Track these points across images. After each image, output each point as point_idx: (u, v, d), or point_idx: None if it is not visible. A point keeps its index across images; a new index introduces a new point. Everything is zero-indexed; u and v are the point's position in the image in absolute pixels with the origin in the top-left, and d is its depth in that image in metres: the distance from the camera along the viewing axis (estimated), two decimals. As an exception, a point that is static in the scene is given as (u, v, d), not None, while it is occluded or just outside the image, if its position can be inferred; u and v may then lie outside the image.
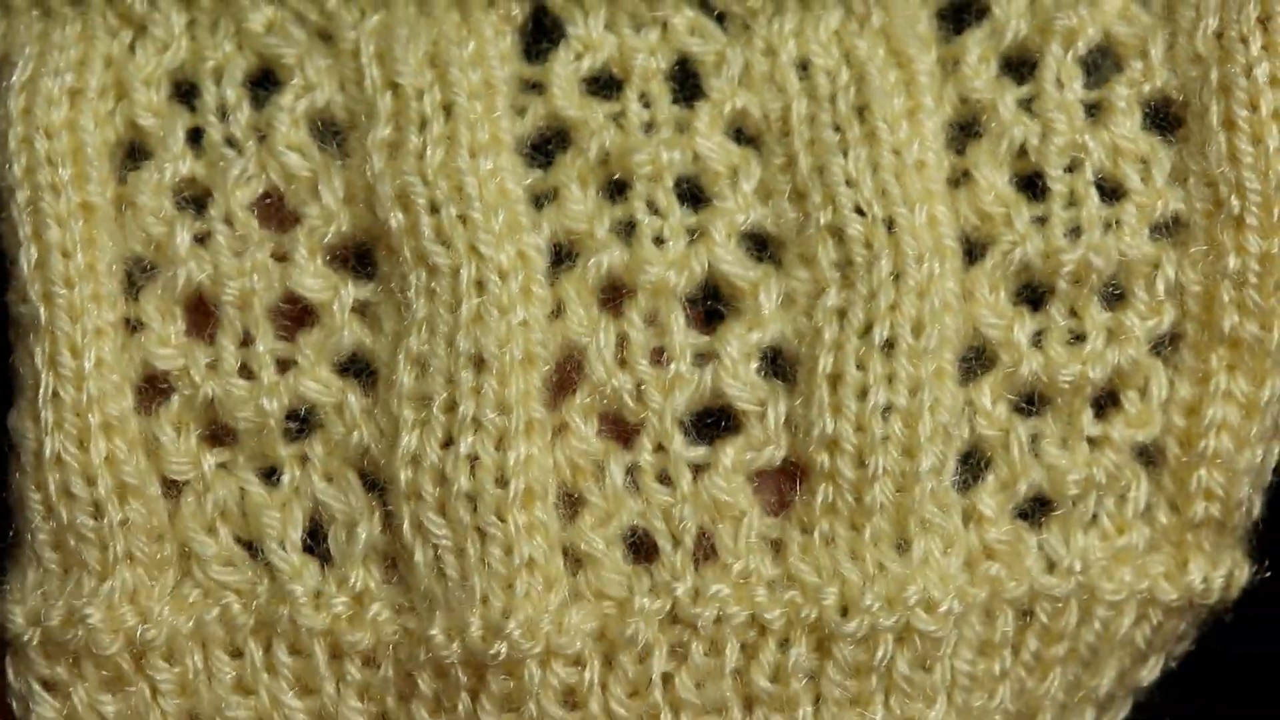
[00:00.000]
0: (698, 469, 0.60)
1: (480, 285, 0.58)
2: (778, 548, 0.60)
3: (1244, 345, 0.60)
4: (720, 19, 0.60)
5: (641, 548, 0.60)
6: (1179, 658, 0.65)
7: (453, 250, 0.58)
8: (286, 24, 0.59)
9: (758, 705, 0.60)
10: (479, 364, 0.58)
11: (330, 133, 0.60)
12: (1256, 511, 0.63)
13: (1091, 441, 0.61)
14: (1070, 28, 0.60)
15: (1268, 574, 0.64)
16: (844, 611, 0.59)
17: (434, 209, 0.58)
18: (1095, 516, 0.61)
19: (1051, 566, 0.61)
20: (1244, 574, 0.63)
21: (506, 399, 0.58)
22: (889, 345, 0.59)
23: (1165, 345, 0.61)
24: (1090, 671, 0.62)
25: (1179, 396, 0.61)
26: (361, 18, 0.59)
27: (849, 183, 0.59)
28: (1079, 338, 0.61)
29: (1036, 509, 0.61)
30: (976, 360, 0.61)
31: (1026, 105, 0.61)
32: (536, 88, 0.60)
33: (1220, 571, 0.62)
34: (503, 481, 0.58)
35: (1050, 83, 0.60)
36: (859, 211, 0.59)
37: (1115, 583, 0.61)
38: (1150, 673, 0.64)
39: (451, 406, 0.58)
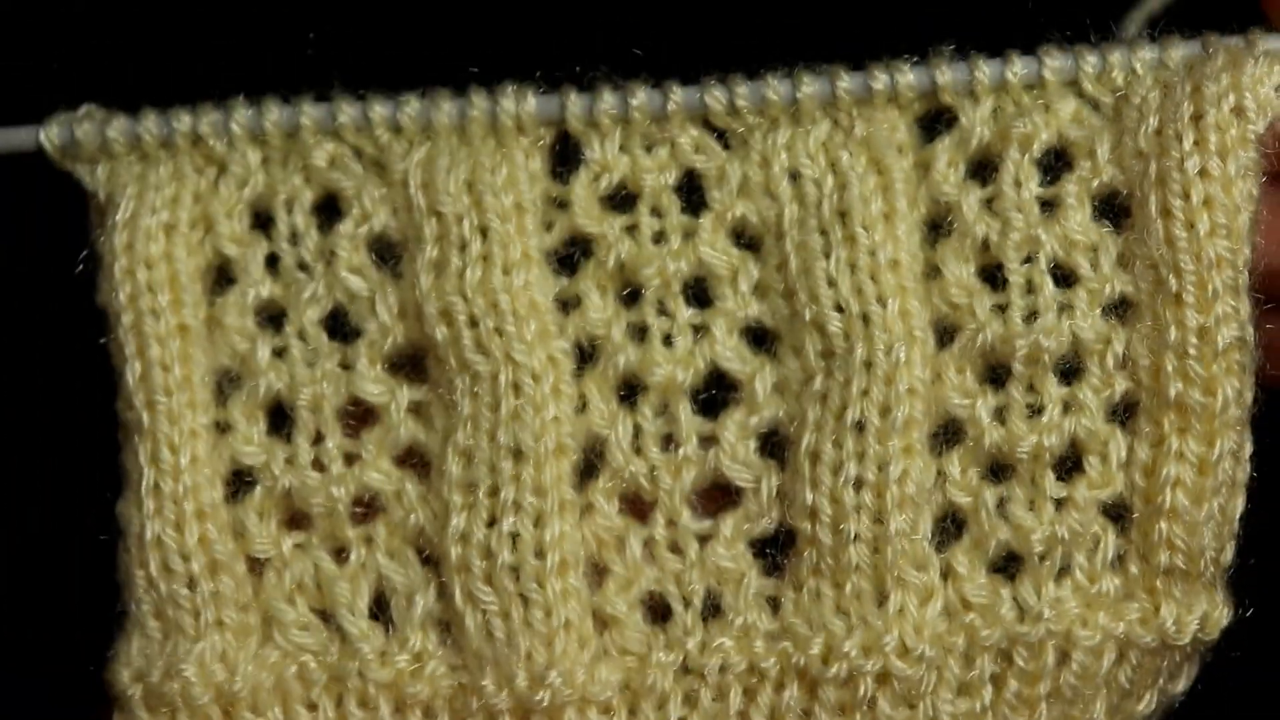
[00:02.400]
0: (703, 539, 0.68)
1: (516, 388, 0.67)
2: (775, 605, 0.68)
3: (1191, 410, 0.67)
4: (721, 135, 0.69)
5: (658, 609, 0.69)
6: (1181, 694, 0.71)
7: (491, 359, 0.67)
8: (345, 158, 0.69)
9: None
10: (517, 455, 0.67)
11: (387, 254, 0.69)
12: (1226, 559, 0.69)
13: (1058, 502, 0.68)
14: (1026, 134, 0.67)
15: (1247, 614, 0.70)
16: (826, 659, 0.67)
17: (473, 323, 0.67)
18: (1067, 569, 0.68)
19: (1024, 615, 0.68)
20: (1222, 615, 0.69)
21: (542, 484, 0.67)
22: (859, 426, 0.67)
23: (1123, 413, 0.68)
24: (1078, 708, 0.69)
25: (1138, 458, 0.68)
26: (409, 149, 0.68)
27: (830, 282, 0.67)
28: (1037, 411, 0.68)
29: (1010, 564, 0.69)
30: (948, 435, 0.68)
31: (989, 204, 0.68)
32: (562, 204, 0.69)
33: (1193, 615, 0.68)
34: (541, 554, 0.67)
35: (1009, 184, 0.68)
36: (838, 309, 0.67)
37: (1090, 628, 0.68)
38: (1146, 707, 0.70)
39: (494, 491, 0.67)
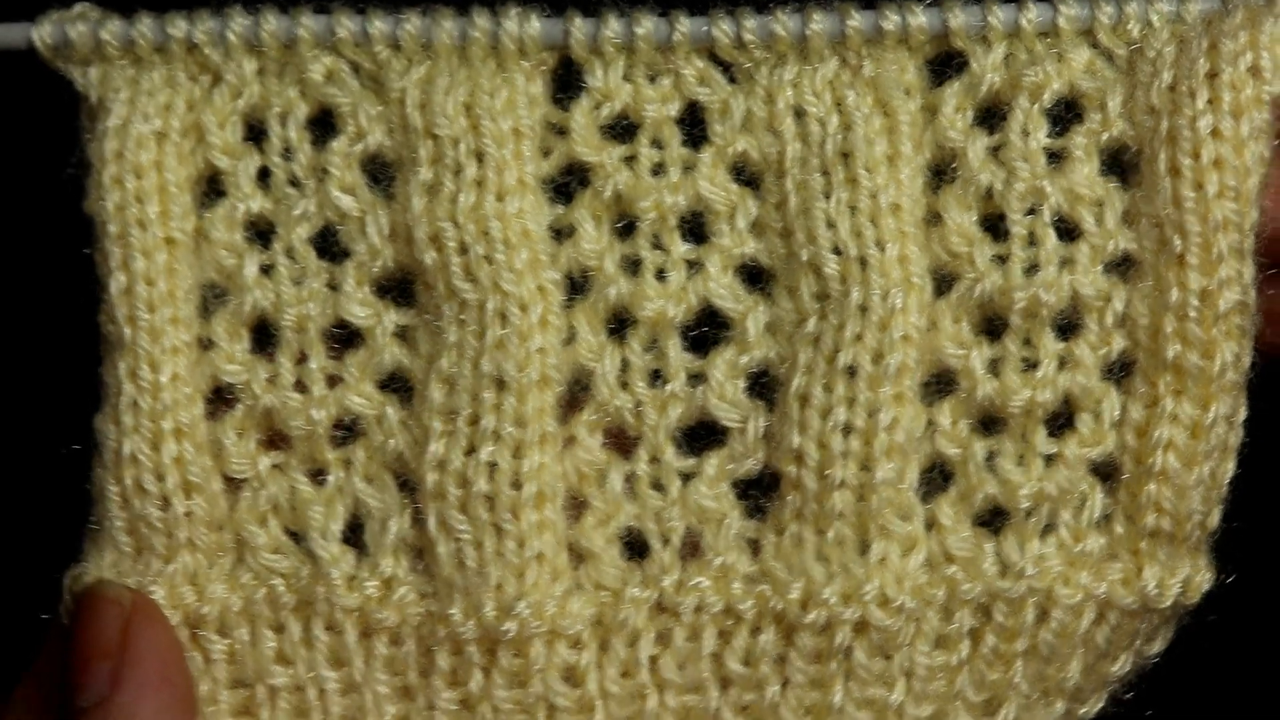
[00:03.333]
0: (686, 477, 0.67)
1: (503, 317, 0.66)
2: (755, 548, 0.67)
3: (1188, 372, 0.66)
4: (727, 68, 0.67)
5: (636, 546, 0.68)
6: (1155, 656, 0.70)
7: (479, 286, 0.66)
8: (342, 73, 0.67)
9: (732, 685, 0.67)
10: (500, 384, 0.66)
11: (381, 174, 0.67)
12: (1213, 523, 0.68)
13: (1048, 458, 0.67)
14: (1037, 83, 0.66)
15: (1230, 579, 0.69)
16: (805, 604, 0.66)
17: (463, 250, 0.66)
18: (1052, 526, 0.68)
19: (1006, 570, 0.67)
20: (1204, 580, 0.68)
21: (523, 414, 0.66)
22: (851, 371, 0.66)
23: (1119, 371, 0.67)
24: (1054, 666, 0.68)
25: (1131, 418, 0.67)
26: (408, 67, 0.66)
27: (829, 224, 0.66)
28: (1032, 365, 0.67)
29: (996, 518, 0.68)
30: (940, 384, 0.67)
31: (995, 152, 0.67)
32: (561, 130, 0.67)
33: (1175, 578, 0.67)
34: (517, 485, 0.66)
35: (1016, 133, 0.66)
36: (836, 251, 0.66)
37: (1072, 587, 0.67)
38: (1120, 668, 0.70)
39: (475, 420, 0.66)
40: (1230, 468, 0.67)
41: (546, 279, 0.66)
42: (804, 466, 0.66)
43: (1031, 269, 0.66)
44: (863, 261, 0.66)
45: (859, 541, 0.66)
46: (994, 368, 0.67)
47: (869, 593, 0.66)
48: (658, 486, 0.67)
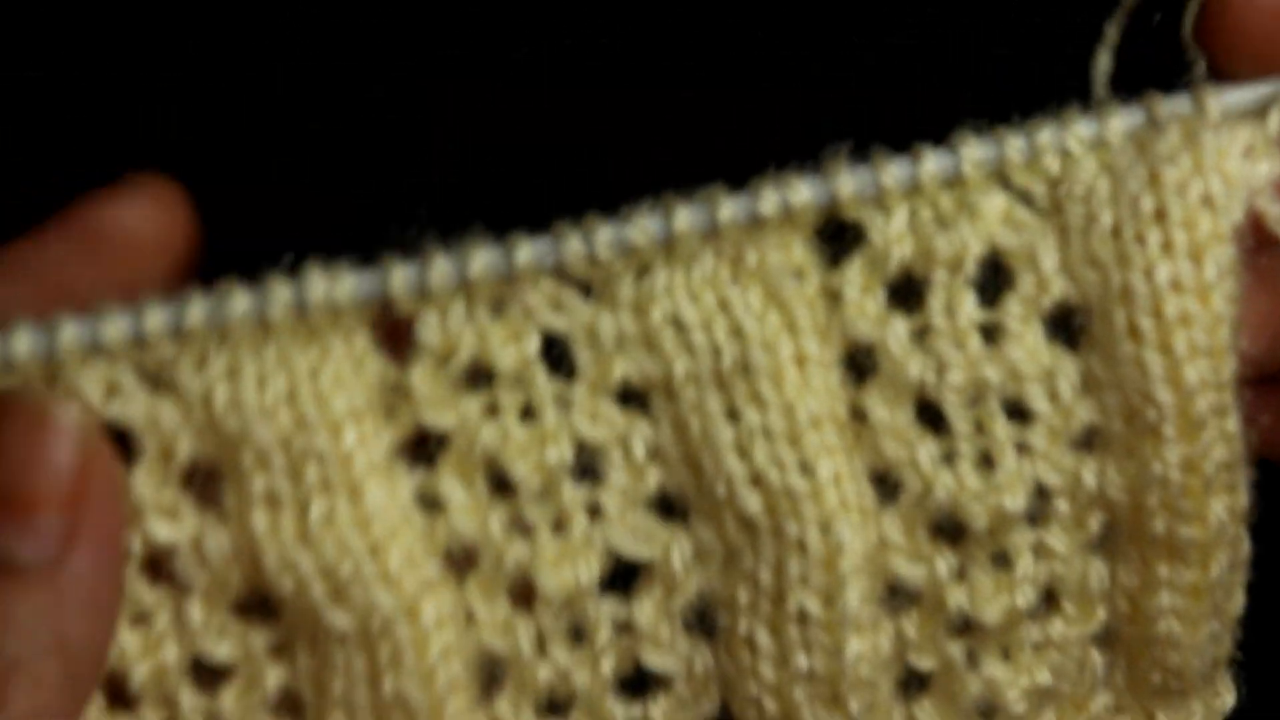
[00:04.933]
0: None
1: (389, 635, 0.55)
2: None
3: (1181, 543, 0.57)
4: (585, 288, 0.56)
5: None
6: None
7: (353, 608, 0.54)
8: (121, 382, 0.54)
9: None
10: (406, 708, 0.56)
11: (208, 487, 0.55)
12: (1226, 653, 0.61)
13: (1036, 646, 0.59)
14: (954, 251, 0.55)
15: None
16: None
17: (326, 573, 0.54)
18: (1051, 694, 0.59)
19: None
20: (1224, 704, 0.61)
21: None
22: (802, 616, 0.57)
23: (1099, 537, 0.59)
24: None
25: (1121, 583, 0.59)
26: (203, 362, 0.54)
27: (741, 453, 0.56)
28: (1005, 562, 0.58)
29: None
30: (901, 593, 0.58)
31: (919, 336, 0.56)
32: (401, 389, 0.56)
33: (1195, 718, 0.61)
34: None
35: (940, 313, 0.56)
36: (755, 482, 0.56)
37: None
38: None
39: None
40: (1239, 600, 0.59)
41: (429, 572, 0.55)
42: (765, 713, 0.58)
43: (983, 460, 0.57)
44: (789, 492, 0.56)
45: None
46: (961, 573, 0.58)
47: None
48: None
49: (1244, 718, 0.72)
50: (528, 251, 0.55)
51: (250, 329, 0.54)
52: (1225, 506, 0.56)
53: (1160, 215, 0.54)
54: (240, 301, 0.53)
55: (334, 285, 0.54)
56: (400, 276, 0.54)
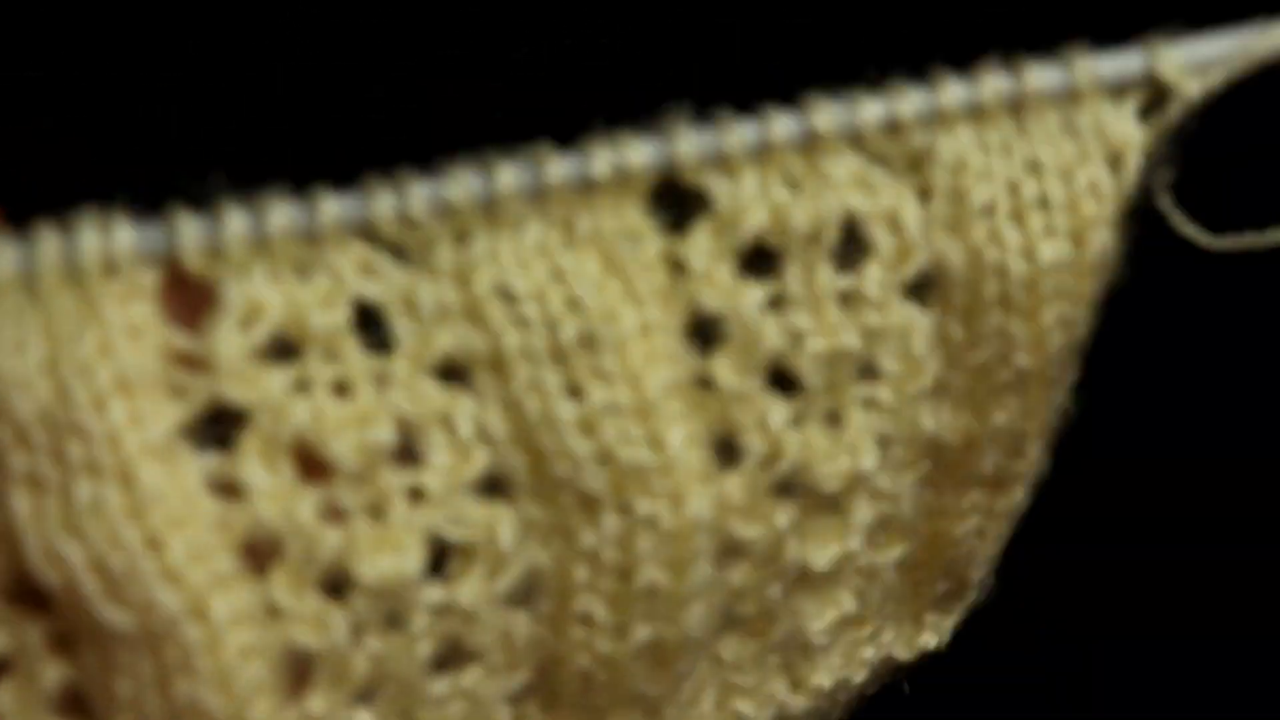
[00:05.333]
0: (441, 701, 0.54)
1: (171, 638, 0.50)
2: None
3: (1005, 477, 0.56)
4: (399, 252, 0.51)
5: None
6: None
7: (129, 608, 0.49)
8: None
9: None
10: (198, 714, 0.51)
11: None
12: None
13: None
14: (809, 219, 0.51)
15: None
16: None
17: (97, 566, 0.49)
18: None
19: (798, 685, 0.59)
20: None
21: None
22: (650, 591, 0.53)
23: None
24: None
25: (934, 510, 0.57)
26: None
27: (585, 429, 0.51)
28: (841, 510, 0.55)
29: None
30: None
31: (773, 304, 0.52)
32: (197, 362, 0.50)
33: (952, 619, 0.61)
34: None
35: (796, 283, 0.51)
36: (602, 460, 0.51)
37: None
38: None
39: None
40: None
41: (222, 565, 0.50)
42: (593, 684, 0.54)
43: (832, 419, 0.53)
44: (639, 467, 0.51)
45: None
46: (798, 526, 0.54)
47: None
48: (406, 717, 0.54)
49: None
50: (333, 208, 0.49)
51: (14, 288, 0.48)
52: (1046, 439, 0.55)
53: (1042, 200, 0.50)
54: (2, 257, 0.48)
55: (108, 239, 0.48)
56: (189, 231, 0.49)
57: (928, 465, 0.55)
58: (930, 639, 0.61)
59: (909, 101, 0.49)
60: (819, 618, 0.57)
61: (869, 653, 0.59)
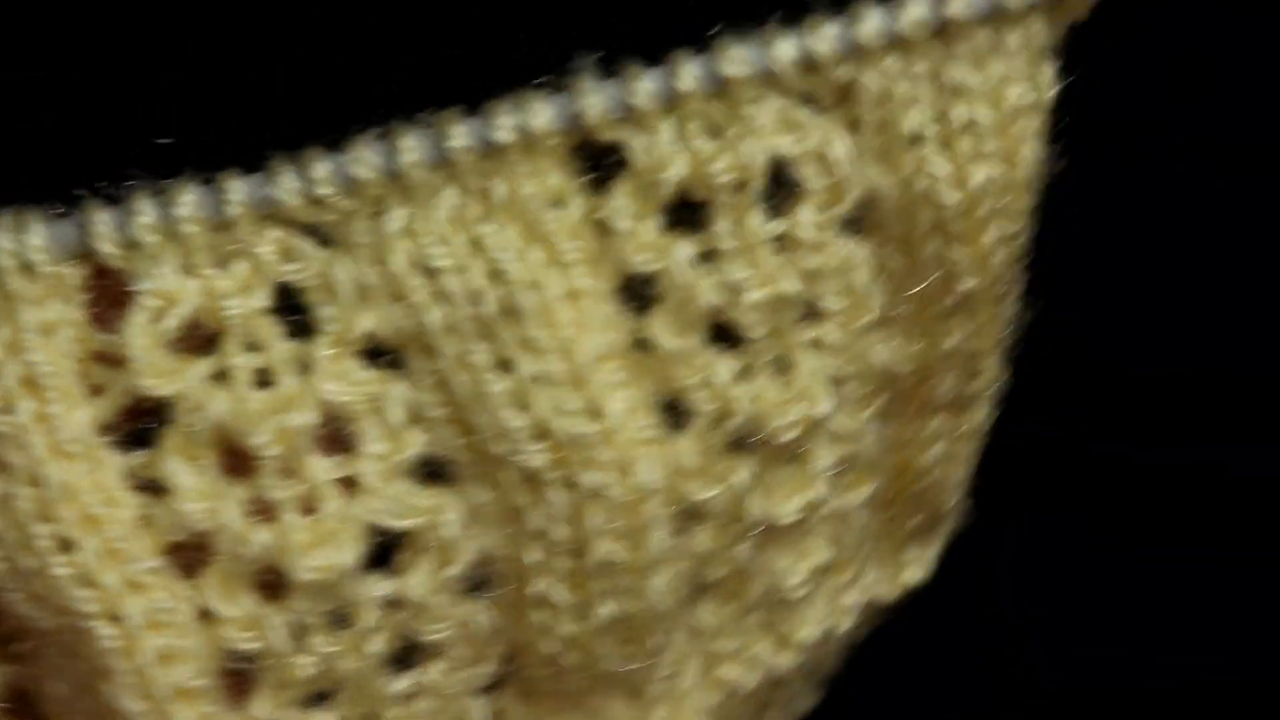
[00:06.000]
0: (409, 697, 0.52)
1: (94, 643, 0.48)
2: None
3: (963, 399, 0.54)
4: (316, 232, 0.49)
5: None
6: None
7: (48, 608, 0.48)
8: None
9: None
10: None
11: None
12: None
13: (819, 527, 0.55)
14: (734, 167, 0.48)
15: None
16: None
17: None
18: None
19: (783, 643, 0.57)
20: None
21: None
22: (608, 566, 0.51)
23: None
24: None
25: (898, 442, 0.55)
26: None
27: (520, 405, 0.49)
28: (801, 459, 0.53)
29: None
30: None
31: (705, 258, 0.50)
32: (114, 359, 0.49)
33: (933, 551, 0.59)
34: None
35: (727, 235, 0.49)
36: (540, 435, 0.49)
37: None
38: None
39: None
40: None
41: (141, 566, 0.49)
42: (561, 665, 0.53)
43: (780, 368, 0.51)
44: (577, 441, 0.49)
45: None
46: (757, 481, 0.52)
47: None
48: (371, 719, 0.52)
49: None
50: (240, 192, 0.48)
51: None
52: (1001, 356, 0.54)
53: (970, 125, 0.48)
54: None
55: (20, 238, 0.47)
56: (99, 226, 0.48)
57: (885, 399, 0.53)
58: (914, 574, 0.59)
59: (825, 37, 0.46)
60: (794, 571, 0.55)
61: (852, 598, 0.57)
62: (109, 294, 0.49)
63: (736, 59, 0.46)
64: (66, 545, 0.48)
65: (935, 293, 0.51)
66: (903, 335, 0.53)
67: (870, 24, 0.46)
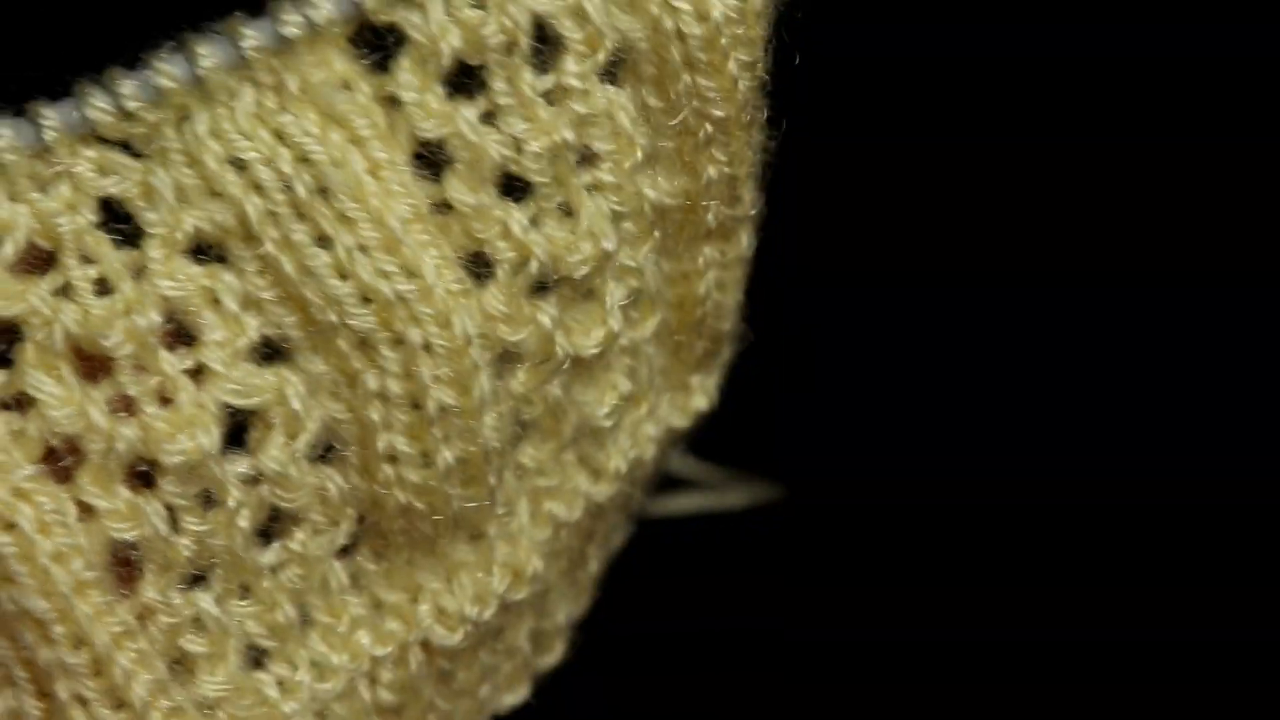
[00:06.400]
0: (275, 569, 0.58)
1: None
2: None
3: (726, 226, 0.61)
4: (129, 148, 0.54)
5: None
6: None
7: None
8: None
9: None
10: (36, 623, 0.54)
11: None
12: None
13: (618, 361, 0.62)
14: (501, 31, 0.54)
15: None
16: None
17: None
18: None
19: (598, 476, 0.63)
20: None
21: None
22: (442, 412, 0.56)
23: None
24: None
25: (673, 274, 0.61)
26: None
27: (343, 274, 0.54)
28: (596, 295, 0.59)
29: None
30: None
31: (488, 118, 0.55)
32: None
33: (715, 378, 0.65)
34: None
35: (504, 94, 0.55)
36: (366, 300, 0.54)
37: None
38: None
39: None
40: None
41: (23, 475, 0.52)
42: (412, 516, 0.58)
43: (566, 211, 0.57)
44: (401, 298, 0.54)
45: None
46: (560, 323, 0.58)
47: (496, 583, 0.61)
48: (246, 594, 0.57)
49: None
50: (53, 117, 0.52)
51: None
52: (756, 182, 0.60)
53: None
54: None
55: None
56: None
57: (659, 234, 0.59)
58: (700, 400, 0.65)
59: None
60: (601, 403, 0.61)
61: (651, 429, 0.64)
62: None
63: None
64: None
65: (692, 125, 0.57)
66: (667, 171, 0.59)
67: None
